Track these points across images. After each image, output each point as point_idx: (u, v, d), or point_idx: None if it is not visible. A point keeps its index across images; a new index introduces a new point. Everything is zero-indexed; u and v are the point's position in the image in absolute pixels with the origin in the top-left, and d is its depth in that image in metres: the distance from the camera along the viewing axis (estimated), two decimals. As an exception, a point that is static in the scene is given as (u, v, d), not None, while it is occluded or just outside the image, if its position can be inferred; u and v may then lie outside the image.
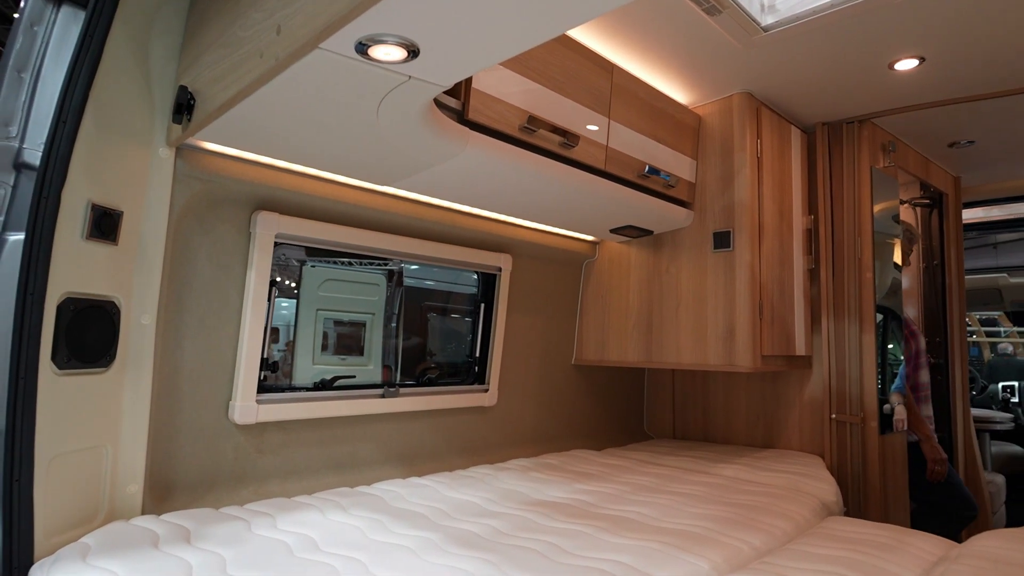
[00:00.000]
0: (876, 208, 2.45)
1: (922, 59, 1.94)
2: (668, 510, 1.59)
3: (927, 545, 1.40)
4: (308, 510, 1.49)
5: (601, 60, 1.86)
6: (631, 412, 2.96)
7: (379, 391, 1.95)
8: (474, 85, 1.50)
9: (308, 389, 1.83)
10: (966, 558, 1.18)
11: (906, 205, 3.17)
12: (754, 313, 2.12)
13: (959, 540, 1.83)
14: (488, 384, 2.30)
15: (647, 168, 2.02)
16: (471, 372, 2.33)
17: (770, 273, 2.22)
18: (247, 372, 1.63)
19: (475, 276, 2.37)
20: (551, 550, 1.26)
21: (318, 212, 1.78)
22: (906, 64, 1.98)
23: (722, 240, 2.19)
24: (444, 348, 2.37)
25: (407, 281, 2.23)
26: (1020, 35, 1.79)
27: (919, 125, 2.56)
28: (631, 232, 2.37)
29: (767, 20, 1.75)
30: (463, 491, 1.75)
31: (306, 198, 1.71)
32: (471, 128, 1.51)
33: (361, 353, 2.06)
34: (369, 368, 2.08)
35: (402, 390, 2.01)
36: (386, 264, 2.14)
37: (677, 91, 2.22)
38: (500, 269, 2.31)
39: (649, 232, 2.37)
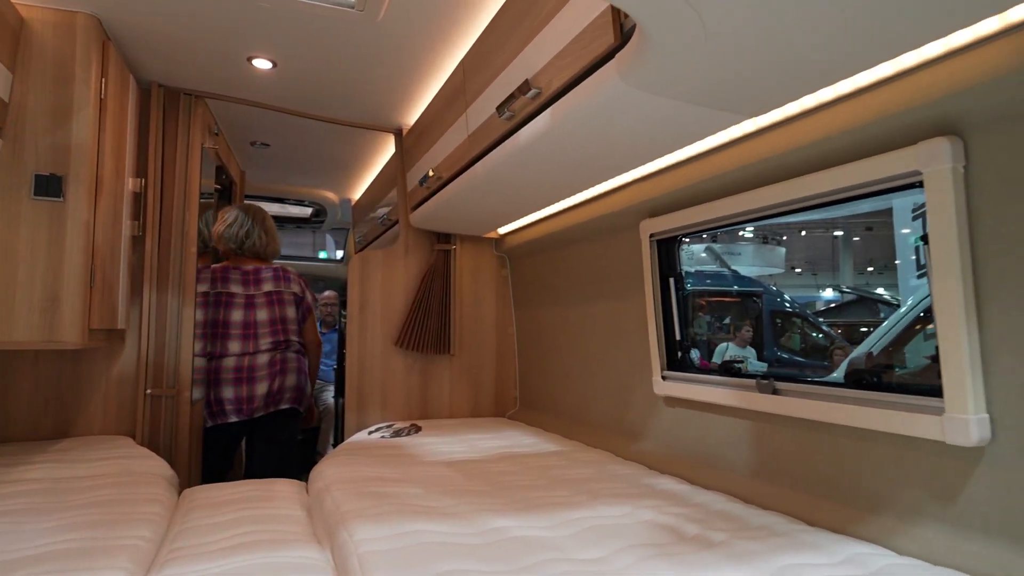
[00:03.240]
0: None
1: (275, 64, 2.19)
2: (14, 536, 1.18)
3: (284, 486, 1.63)
4: None
5: None
6: None
7: None
8: None
9: None
10: (334, 485, 1.48)
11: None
12: (86, 280, 1.80)
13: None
14: None
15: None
16: None
17: (104, 235, 1.93)
18: None
19: None
20: None
21: None
22: (262, 63, 2.18)
23: (50, 186, 1.75)
24: None
25: None
26: (316, 64, 2.30)
27: (239, 118, 2.81)
28: None
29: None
30: None
31: None
32: None
33: None
34: None
35: None
36: None
37: (1, -28, 1.62)
38: None
39: (-82, 152, 1.61)
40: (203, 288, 2.50)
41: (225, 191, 3.47)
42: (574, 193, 2.06)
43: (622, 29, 1.18)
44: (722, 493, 1.57)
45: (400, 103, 2.56)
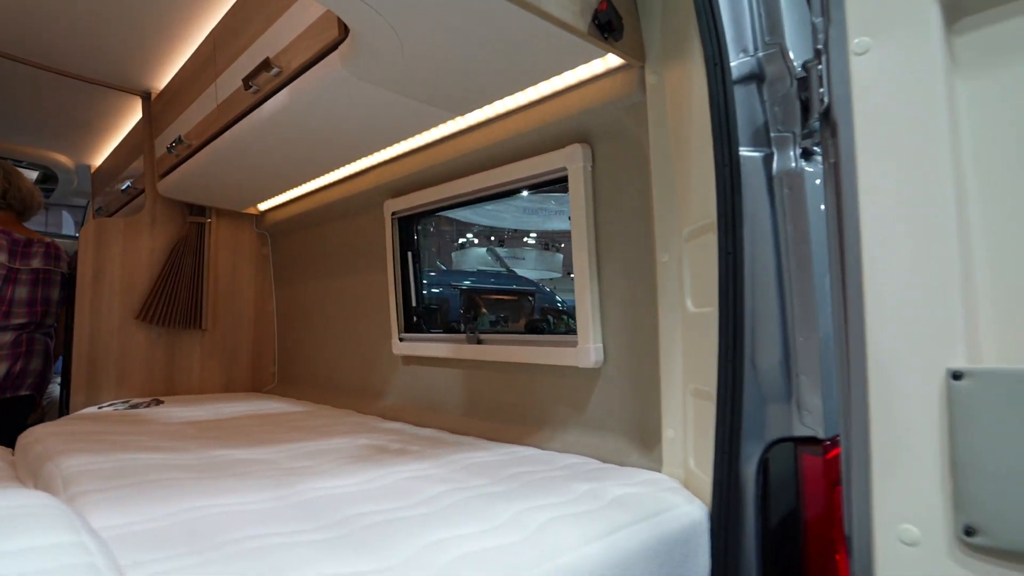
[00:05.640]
0: None
1: (-14, 1, 1.98)
2: None
3: (-16, 450, 1.53)
4: None
5: None
6: None
7: None
8: None
9: None
10: (47, 436, 1.45)
11: None
12: None
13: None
14: None
15: None
16: None
17: None
18: None
19: None
20: None
21: None
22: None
23: None
24: None
25: None
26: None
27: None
28: None
29: None
30: None
31: None
32: None
33: None
34: None
35: None
36: None
37: None
38: None
39: None
40: None
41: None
42: (324, 172, 2.23)
43: (345, 24, 1.40)
44: (437, 429, 1.88)
45: (148, 66, 2.46)
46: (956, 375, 0.75)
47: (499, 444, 1.58)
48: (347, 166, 2.22)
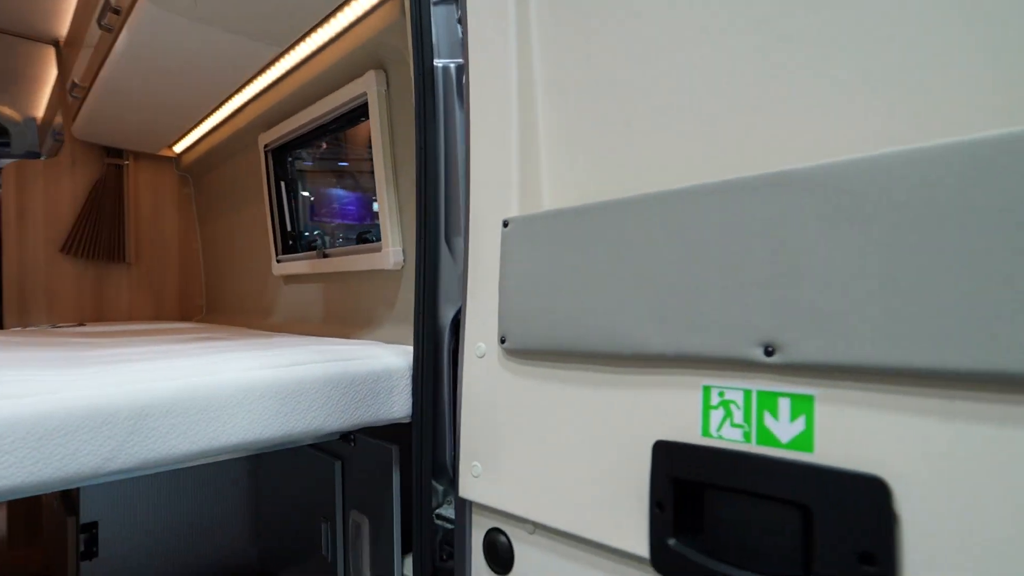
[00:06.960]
0: None
1: None
2: None
3: None
4: None
5: None
6: None
7: None
8: None
9: None
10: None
11: None
12: None
13: None
14: None
15: None
16: None
17: None
18: None
19: None
20: None
21: None
22: None
23: None
24: None
25: None
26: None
27: None
28: None
29: None
30: None
31: None
32: None
33: None
34: None
35: None
36: None
37: None
38: None
39: None
40: None
41: None
42: (205, 110, 2.43)
43: (150, -35, 1.58)
44: (296, 334, 2.13)
45: (51, 14, 2.64)
46: (505, 223, 0.97)
47: (322, 338, 1.83)
48: (227, 104, 2.42)
